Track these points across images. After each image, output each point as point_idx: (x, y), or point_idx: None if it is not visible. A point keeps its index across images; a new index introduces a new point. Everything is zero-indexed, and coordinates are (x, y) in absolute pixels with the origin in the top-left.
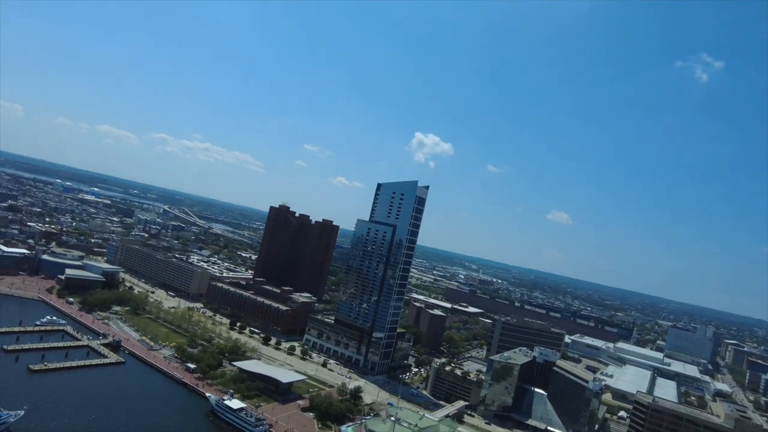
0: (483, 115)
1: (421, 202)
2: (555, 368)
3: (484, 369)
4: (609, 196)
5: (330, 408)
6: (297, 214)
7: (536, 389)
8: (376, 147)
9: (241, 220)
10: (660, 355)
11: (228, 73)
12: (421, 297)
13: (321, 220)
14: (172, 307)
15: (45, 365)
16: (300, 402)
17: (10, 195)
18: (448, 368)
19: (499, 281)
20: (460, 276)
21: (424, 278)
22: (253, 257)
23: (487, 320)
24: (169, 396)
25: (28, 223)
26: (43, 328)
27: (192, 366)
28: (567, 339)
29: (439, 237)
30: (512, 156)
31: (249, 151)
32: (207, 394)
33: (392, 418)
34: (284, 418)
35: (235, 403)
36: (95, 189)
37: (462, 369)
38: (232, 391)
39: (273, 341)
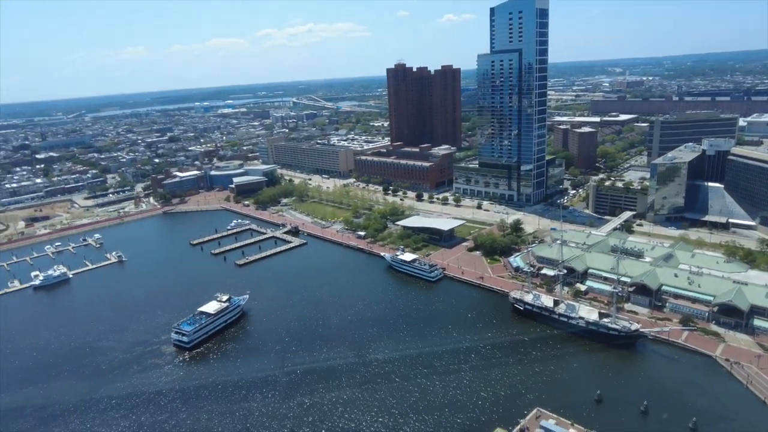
0: None
1: (543, 14)
2: (730, 157)
3: (647, 176)
4: None
5: (494, 244)
6: (415, 69)
7: (710, 184)
8: None
9: (363, 91)
10: None
11: None
12: (564, 118)
13: (440, 68)
14: (329, 188)
15: (246, 259)
16: (465, 244)
17: (167, 128)
18: (607, 183)
19: (650, 78)
20: (605, 84)
21: (564, 98)
22: (386, 124)
23: (642, 125)
24: (351, 261)
25: (189, 148)
26: (234, 230)
27: (362, 233)
28: (741, 122)
29: (571, 48)
30: None
31: (350, 19)
32: (381, 254)
33: (558, 242)
34: (454, 260)
35: (408, 256)
36: (229, 101)
37: (623, 180)
38: (402, 246)
39: (425, 197)
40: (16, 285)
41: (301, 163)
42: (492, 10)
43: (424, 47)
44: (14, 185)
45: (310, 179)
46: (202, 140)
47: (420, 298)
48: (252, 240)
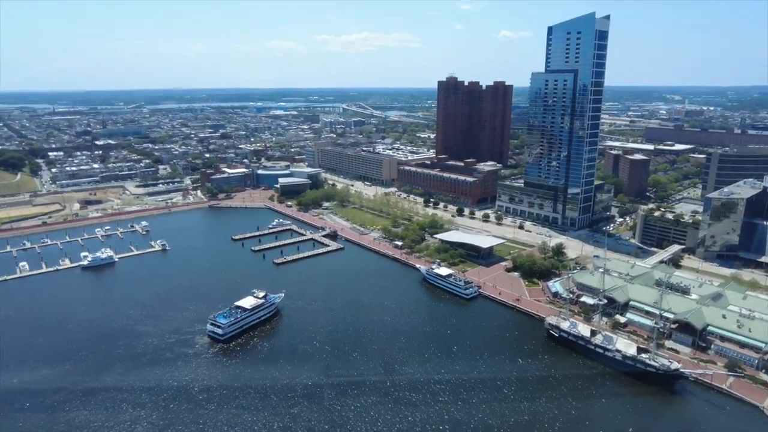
0: None
1: (602, 36)
2: None
3: (700, 209)
4: None
5: (534, 266)
6: (466, 83)
7: None
8: None
9: (413, 102)
10: None
11: None
12: (616, 144)
13: (492, 84)
14: (370, 195)
15: (284, 258)
16: (503, 263)
17: (219, 125)
18: (657, 213)
19: (711, 108)
20: (662, 111)
21: (617, 122)
22: (432, 136)
23: (699, 156)
24: (385, 270)
25: (239, 146)
26: (275, 229)
27: (399, 243)
28: None
29: (628, 72)
30: None
31: (406, 30)
32: (417, 265)
33: (600, 270)
34: (490, 279)
35: (443, 270)
36: (281, 104)
37: (673, 212)
38: (438, 260)
39: (466, 212)
40: (67, 263)
41: (345, 169)
42: (550, 29)
43: (476, 61)
44: (74, 168)
45: (352, 185)
46: (252, 139)
47: (453, 314)
48: (291, 240)
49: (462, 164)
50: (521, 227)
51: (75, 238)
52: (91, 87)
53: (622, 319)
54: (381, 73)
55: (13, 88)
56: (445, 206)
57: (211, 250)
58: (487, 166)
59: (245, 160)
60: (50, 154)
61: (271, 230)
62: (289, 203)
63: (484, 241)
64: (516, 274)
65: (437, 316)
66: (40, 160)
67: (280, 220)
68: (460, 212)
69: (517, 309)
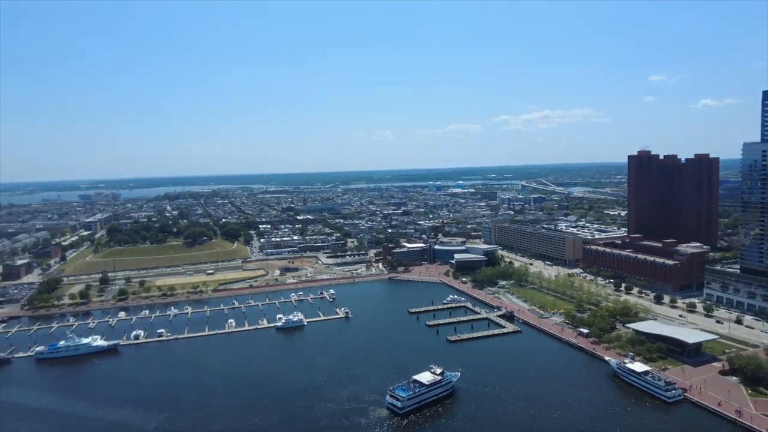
0: None
1: None
2: None
3: None
4: None
5: (759, 371)
6: (661, 157)
7: None
8: (747, 44)
9: (599, 177)
10: None
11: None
12: None
13: (693, 156)
14: (551, 276)
15: (458, 336)
16: (715, 364)
17: (401, 202)
18: None
19: None
20: None
21: None
22: (622, 213)
23: None
24: (568, 360)
25: (419, 222)
26: (449, 305)
27: (584, 330)
28: None
29: None
30: None
31: (589, 105)
32: (606, 358)
33: None
34: (699, 382)
35: (639, 366)
36: (459, 182)
37: None
38: (632, 353)
39: (666, 299)
40: (264, 323)
41: (523, 247)
42: (765, 93)
43: (671, 133)
44: (278, 239)
45: (531, 264)
46: (430, 216)
47: (652, 422)
48: (465, 318)
49: (659, 245)
50: (739, 321)
51: (273, 300)
52: (295, 170)
53: None
54: (563, 149)
55: (238, 172)
56: (640, 292)
57: (388, 321)
58: (690, 247)
59: (423, 236)
60: (260, 226)
61: (445, 306)
62: (464, 279)
63: (690, 335)
64: (734, 378)
65: (632, 422)
66: (252, 231)
67: (455, 296)
68: (658, 299)
69: (739, 423)
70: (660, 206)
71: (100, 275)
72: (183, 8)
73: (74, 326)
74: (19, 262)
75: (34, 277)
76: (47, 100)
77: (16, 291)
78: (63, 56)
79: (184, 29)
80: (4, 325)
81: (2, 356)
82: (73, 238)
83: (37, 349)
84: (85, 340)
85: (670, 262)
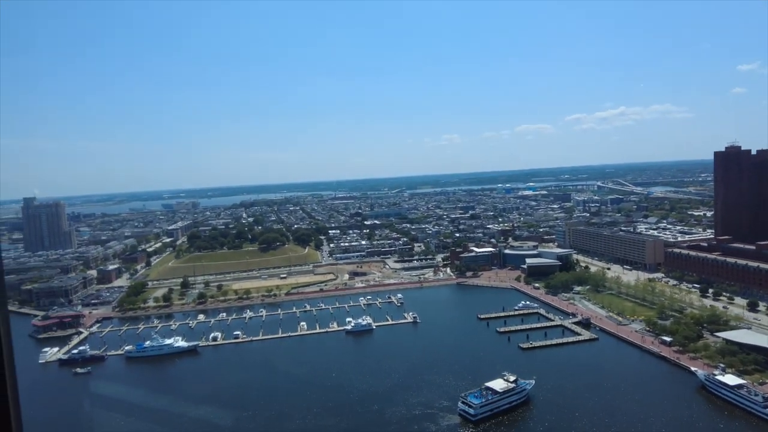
0: None
1: None
2: None
3: None
4: None
5: None
6: (753, 152)
7: None
8: None
9: (681, 176)
10: None
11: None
12: None
13: None
14: (630, 281)
15: (531, 344)
16: None
17: (469, 206)
18: None
19: None
20: None
21: None
22: (708, 214)
23: None
24: (650, 370)
25: (487, 226)
26: (521, 312)
27: (667, 339)
28: None
29: None
30: None
31: (668, 100)
32: (692, 369)
33: None
34: None
35: (731, 379)
36: (530, 184)
37: None
38: (723, 365)
39: (762, 307)
40: (335, 326)
41: (600, 250)
42: None
43: (765, 127)
44: (346, 244)
45: (608, 268)
46: (500, 219)
47: None
48: (538, 324)
49: (752, 248)
50: None
51: (342, 304)
52: (362, 176)
53: None
54: (641, 147)
55: (309, 179)
56: (730, 298)
57: (457, 327)
58: None
59: (492, 240)
60: (330, 231)
61: (517, 312)
62: (537, 285)
63: None
64: None
65: None
66: (322, 237)
67: (527, 303)
68: (752, 307)
69: None
70: (751, 206)
71: (181, 280)
72: (278, 19)
73: (158, 327)
74: (111, 267)
75: (123, 281)
76: (125, 119)
77: (108, 294)
78: (147, 75)
79: (272, 41)
80: (98, 325)
81: (98, 354)
82: (157, 245)
83: (126, 348)
84: (167, 341)
85: (765, 266)
